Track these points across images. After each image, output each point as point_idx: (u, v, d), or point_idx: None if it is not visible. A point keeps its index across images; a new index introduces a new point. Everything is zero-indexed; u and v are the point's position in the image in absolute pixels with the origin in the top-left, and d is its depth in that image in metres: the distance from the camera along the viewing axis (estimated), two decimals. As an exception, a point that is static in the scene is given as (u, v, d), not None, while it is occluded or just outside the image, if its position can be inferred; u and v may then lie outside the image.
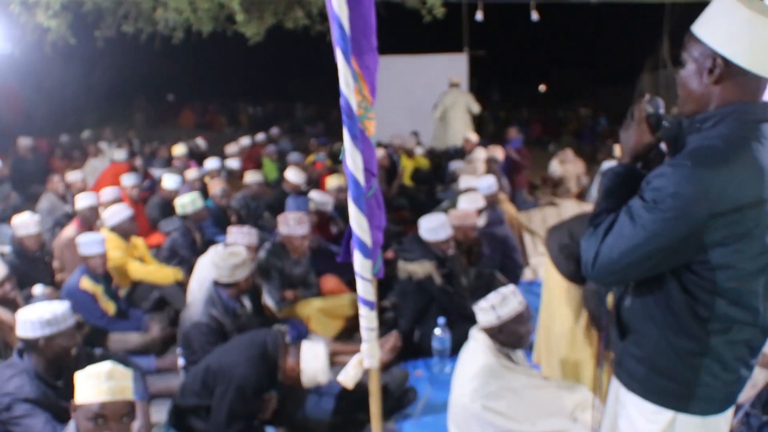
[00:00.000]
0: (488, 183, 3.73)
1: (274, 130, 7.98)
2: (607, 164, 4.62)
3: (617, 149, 5.34)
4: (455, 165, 5.20)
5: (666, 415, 1.03)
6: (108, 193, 3.90)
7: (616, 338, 1.12)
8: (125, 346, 2.78)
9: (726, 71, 0.94)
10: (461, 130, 6.48)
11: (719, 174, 0.90)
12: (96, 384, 1.38)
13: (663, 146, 1.08)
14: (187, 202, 3.56)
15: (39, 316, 1.77)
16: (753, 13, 0.90)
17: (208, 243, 3.55)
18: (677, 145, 1.03)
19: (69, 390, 1.78)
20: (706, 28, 0.96)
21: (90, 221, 3.46)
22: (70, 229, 3.45)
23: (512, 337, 1.92)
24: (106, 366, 1.41)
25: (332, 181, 4.12)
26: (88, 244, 2.81)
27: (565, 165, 5.66)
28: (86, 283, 2.75)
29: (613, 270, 0.98)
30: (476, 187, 3.77)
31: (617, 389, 1.12)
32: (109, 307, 2.86)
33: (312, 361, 1.95)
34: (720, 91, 0.96)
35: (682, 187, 0.90)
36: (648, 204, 0.94)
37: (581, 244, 1.04)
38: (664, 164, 0.97)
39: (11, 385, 1.73)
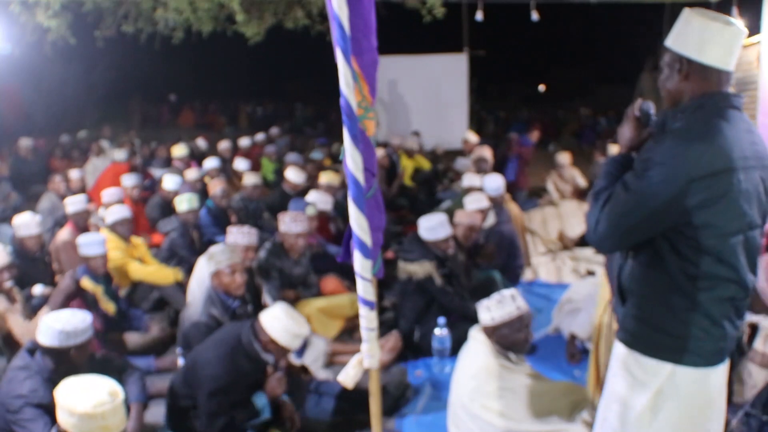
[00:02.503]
0: (497, 184, 3.70)
1: (274, 130, 7.97)
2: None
3: (614, 148, 5.33)
4: (461, 163, 5.18)
5: (665, 368, 1.17)
6: (110, 194, 3.90)
7: (617, 305, 1.26)
8: (125, 345, 2.78)
9: (690, 69, 1.16)
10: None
11: (694, 146, 1.09)
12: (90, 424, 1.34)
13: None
14: (176, 201, 3.62)
15: (74, 326, 1.77)
16: (704, 19, 1.14)
17: (208, 243, 3.55)
18: (661, 132, 1.20)
19: None
20: (673, 38, 1.18)
21: (82, 224, 3.47)
22: (65, 232, 3.45)
23: (504, 340, 1.90)
24: (100, 406, 1.35)
25: (323, 178, 4.12)
26: (89, 244, 2.81)
27: (560, 173, 5.62)
28: (86, 284, 2.76)
29: (612, 234, 1.15)
30: (480, 186, 3.77)
31: (619, 351, 1.24)
32: (109, 307, 2.85)
33: (275, 323, 1.85)
34: (690, 86, 1.17)
35: (666, 157, 1.09)
36: (638, 173, 1.13)
37: (586, 217, 1.23)
38: (651, 142, 1.18)
39: (25, 388, 1.73)
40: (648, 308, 1.18)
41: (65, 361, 1.79)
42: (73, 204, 3.51)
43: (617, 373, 1.23)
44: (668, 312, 1.15)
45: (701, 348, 1.15)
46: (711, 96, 1.14)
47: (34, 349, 1.82)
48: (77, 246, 2.83)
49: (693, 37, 1.14)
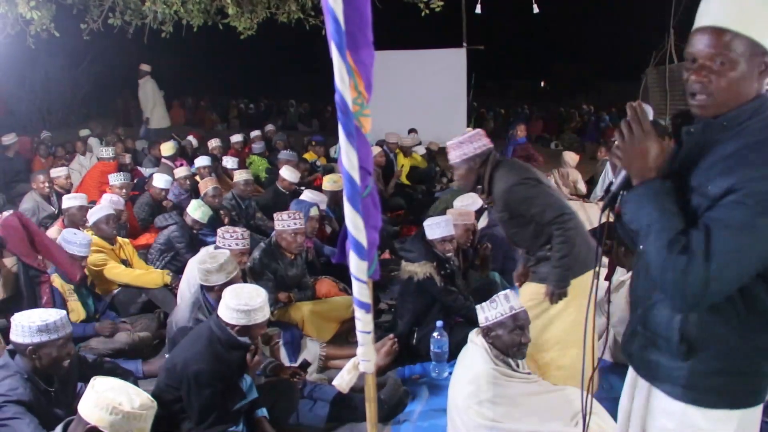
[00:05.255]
0: None
1: (269, 127, 7.86)
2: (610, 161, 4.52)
3: None
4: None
5: (735, 414, 1.04)
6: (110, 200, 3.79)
7: (672, 358, 1.06)
8: (112, 345, 2.69)
9: None
10: (163, 113, 7.53)
11: None
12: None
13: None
14: (192, 204, 3.54)
15: (31, 322, 1.74)
16: None
17: (200, 244, 3.47)
18: (704, 148, 0.99)
19: (62, 396, 1.79)
20: (756, 24, 0.92)
21: (76, 222, 3.37)
22: (53, 231, 3.35)
23: (499, 342, 1.86)
24: (145, 408, 1.38)
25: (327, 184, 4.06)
26: (72, 243, 2.72)
27: (564, 173, 5.54)
28: (56, 281, 2.66)
29: (730, 286, 0.94)
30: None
31: (673, 409, 1.08)
32: (78, 309, 2.73)
33: (226, 311, 1.91)
34: (757, 87, 0.96)
35: None
36: (756, 208, 0.89)
37: (667, 279, 0.94)
38: (757, 165, 0.92)
39: (4, 386, 1.69)
40: (731, 357, 1.02)
41: (34, 362, 1.74)
42: (70, 200, 3.44)
43: (669, 429, 1.08)
44: (756, 355, 1.01)
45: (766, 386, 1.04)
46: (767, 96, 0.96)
47: (15, 350, 1.78)
48: (61, 240, 2.74)
49: None
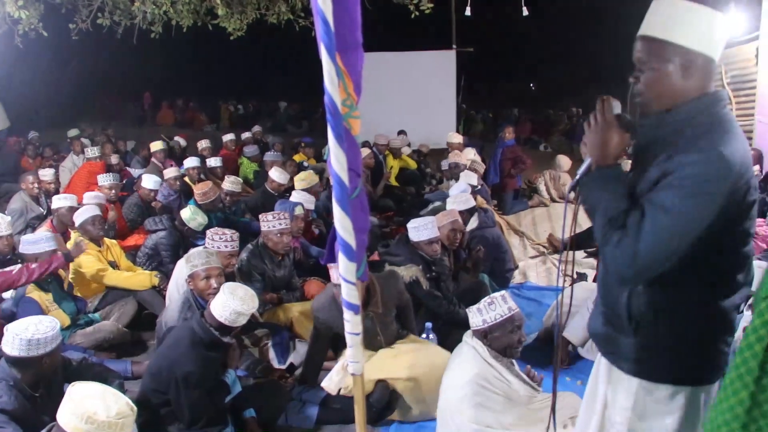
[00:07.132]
0: (460, 186, 3.72)
1: (256, 128, 7.82)
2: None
3: None
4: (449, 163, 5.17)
5: (684, 391, 1.08)
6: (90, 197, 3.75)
7: (618, 335, 1.12)
8: (97, 335, 2.67)
9: (697, 65, 1.03)
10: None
11: (736, 151, 0.99)
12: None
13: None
14: (190, 214, 3.44)
15: (42, 335, 1.73)
16: (706, 7, 1.02)
17: (190, 246, 3.45)
18: (664, 142, 1.06)
19: (48, 401, 1.78)
20: (673, 30, 1.03)
21: (66, 223, 3.33)
22: (41, 232, 3.29)
23: (498, 343, 1.88)
24: (121, 417, 1.35)
25: (300, 183, 4.03)
26: (37, 242, 2.70)
27: (554, 175, 5.60)
28: (32, 291, 2.59)
29: (659, 265, 0.99)
30: (476, 185, 3.76)
31: (627, 386, 1.11)
32: (61, 316, 2.66)
33: (218, 308, 1.91)
34: (692, 84, 1.05)
35: (716, 169, 0.97)
36: (684, 190, 0.97)
37: (605, 252, 1.02)
38: (687, 152, 1.00)
39: None
40: (675, 336, 1.06)
41: (33, 371, 1.74)
42: (60, 200, 3.41)
43: (626, 407, 1.11)
44: (705, 335, 1.06)
45: (724, 360, 1.08)
46: (713, 96, 1.05)
47: (5, 360, 1.76)
48: (24, 247, 2.71)
49: (699, 27, 1.01)
